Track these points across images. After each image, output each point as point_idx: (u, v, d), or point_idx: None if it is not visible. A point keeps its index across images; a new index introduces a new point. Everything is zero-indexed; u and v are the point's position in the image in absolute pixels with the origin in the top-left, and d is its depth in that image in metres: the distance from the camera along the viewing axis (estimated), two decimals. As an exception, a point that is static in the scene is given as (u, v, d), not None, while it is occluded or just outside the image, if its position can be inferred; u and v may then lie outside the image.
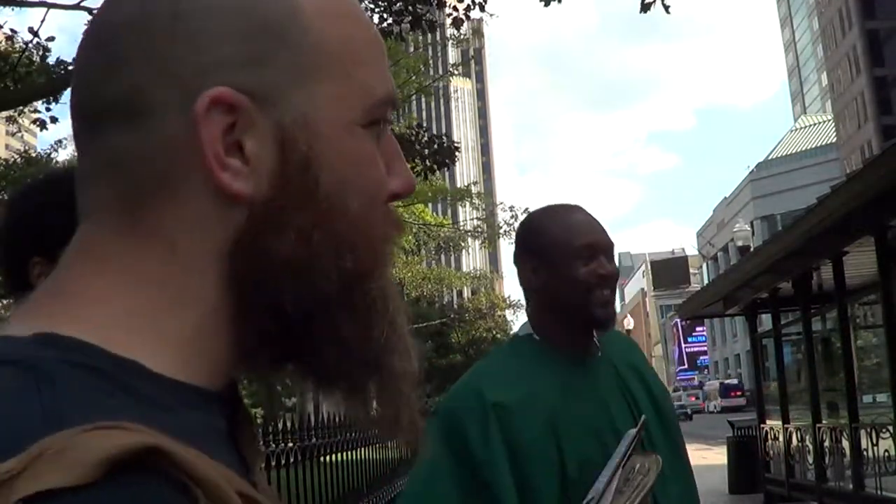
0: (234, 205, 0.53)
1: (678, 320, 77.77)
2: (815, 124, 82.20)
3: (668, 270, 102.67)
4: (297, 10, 0.55)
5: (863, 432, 8.73)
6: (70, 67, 10.50)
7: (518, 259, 1.80)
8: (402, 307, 0.59)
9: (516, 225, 29.24)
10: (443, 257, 46.44)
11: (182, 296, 0.53)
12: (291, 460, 4.25)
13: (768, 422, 12.19)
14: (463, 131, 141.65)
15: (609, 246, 1.76)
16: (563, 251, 1.72)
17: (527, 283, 1.78)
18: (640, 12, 9.76)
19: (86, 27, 0.58)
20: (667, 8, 9.76)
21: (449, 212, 46.85)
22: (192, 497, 0.44)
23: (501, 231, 28.37)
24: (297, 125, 0.54)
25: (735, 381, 64.08)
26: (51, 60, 10.80)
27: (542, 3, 10.06)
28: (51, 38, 10.58)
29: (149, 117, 0.52)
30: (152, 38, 0.53)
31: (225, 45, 0.53)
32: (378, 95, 0.58)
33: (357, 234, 0.56)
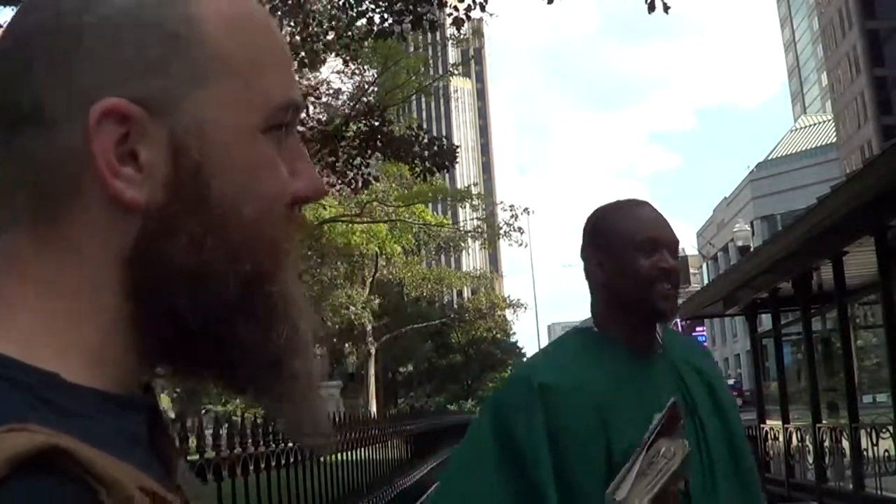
0: (130, 212, 0.54)
1: (678, 320, 77.65)
2: (815, 124, 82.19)
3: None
4: (194, 19, 0.56)
5: (863, 432, 8.73)
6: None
7: (584, 253, 1.85)
8: (305, 310, 0.60)
9: (516, 225, 29.00)
10: (443, 257, 46.46)
11: (90, 305, 0.54)
12: (291, 460, 4.25)
13: (768, 422, 12.19)
14: (463, 131, 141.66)
15: (673, 242, 1.79)
16: (627, 244, 1.76)
17: (592, 276, 1.82)
18: (649, 13, 9.77)
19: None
20: (666, 8, 9.77)
21: (449, 212, 46.85)
22: (92, 493, 0.46)
23: (502, 231, 28.34)
24: (189, 133, 0.55)
25: (731, 382, 64.16)
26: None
27: (546, 1, 10.06)
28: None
29: (53, 127, 0.54)
30: (57, 49, 0.54)
31: (122, 57, 0.54)
32: (277, 101, 0.58)
33: (253, 239, 0.56)
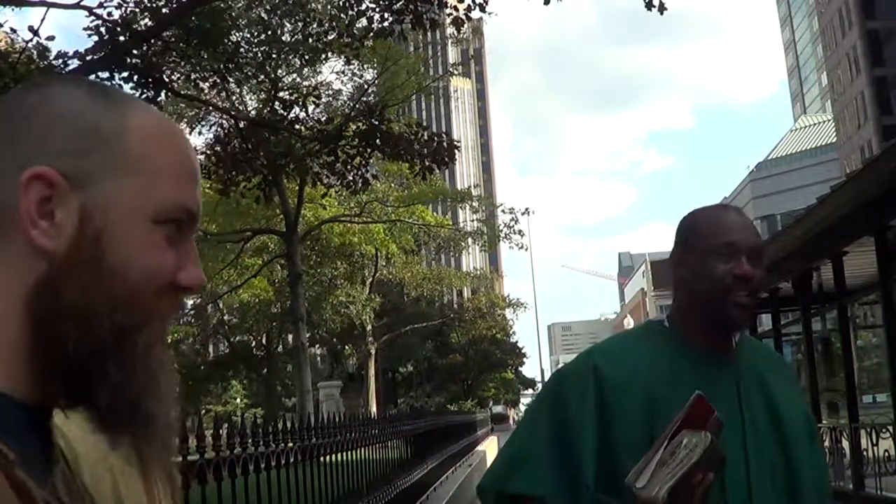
0: (39, 257, 0.69)
1: (678, 320, 77.46)
2: (815, 124, 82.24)
3: (669, 270, 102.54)
4: (122, 126, 0.73)
5: (863, 432, 8.73)
6: (71, 62, 10.51)
7: (673, 249, 1.87)
8: (166, 367, 0.74)
9: (516, 228, 28.84)
10: (443, 257, 46.43)
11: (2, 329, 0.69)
12: (291, 460, 4.25)
13: (768, 422, 12.19)
14: (463, 131, 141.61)
15: (754, 247, 1.77)
16: (704, 247, 1.77)
17: (673, 274, 1.86)
18: (647, 9, 9.78)
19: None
20: (662, 9, 9.79)
21: (449, 212, 46.85)
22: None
23: (502, 234, 28.31)
24: (97, 206, 0.71)
25: None
26: (51, 58, 10.79)
27: (542, 1, 10.07)
28: (51, 38, 10.59)
29: None
30: (10, 125, 0.72)
31: (59, 140, 0.71)
32: (171, 201, 0.74)
33: (131, 297, 0.71)
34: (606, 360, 1.78)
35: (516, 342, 57.00)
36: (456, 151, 14.20)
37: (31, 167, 0.69)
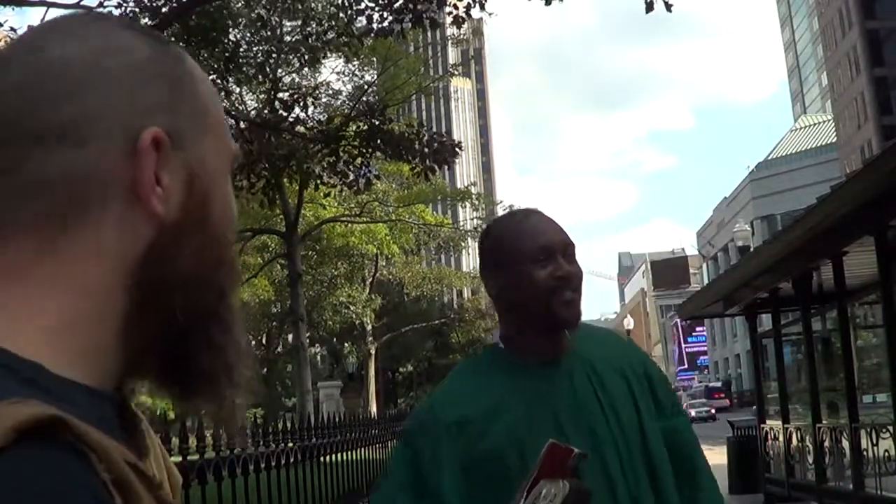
0: (148, 225, 0.64)
1: (678, 320, 77.76)
2: (815, 124, 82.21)
3: (668, 270, 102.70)
4: (191, 75, 0.69)
5: (863, 432, 8.73)
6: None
7: (482, 273, 1.82)
8: (241, 325, 0.72)
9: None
10: (443, 257, 46.41)
11: (94, 306, 0.62)
12: (291, 460, 4.25)
13: (768, 422, 12.19)
14: (463, 131, 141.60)
15: (565, 245, 1.75)
16: (518, 257, 1.72)
17: (491, 294, 1.79)
18: (647, 12, 9.78)
19: (8, 62, 0.66)
20: (669, 6, 9.77)
21: (449, 212, 46.84)
22: (88, 461, 0.52)
23: (501, 231, 28.25)
24: (198, 165, 0.67)
25: (718, 384, 64.42)
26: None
27: (544, 2, 10.07)
28: (51, 38, 10.59)
29: (85, 146, 0.62)
30: (92, 82, 0.63)
31: (150, 94, 0.65)
32: (235, 150, 0.73)
33: (228, 256, 0.70)
34: (456, 407, 1.70)
35: (516, 342, 56.90)
36: (460, 150, 14.19)
37: (140, 127, 0.63)
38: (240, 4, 14.86)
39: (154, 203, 0.63)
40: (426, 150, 13.63)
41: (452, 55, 34.25)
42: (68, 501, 0.50)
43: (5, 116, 0.62)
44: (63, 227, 0.61)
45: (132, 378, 0.68)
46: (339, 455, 5.34)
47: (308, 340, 24.89)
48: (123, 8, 10.72)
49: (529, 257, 1.71)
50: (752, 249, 13.70)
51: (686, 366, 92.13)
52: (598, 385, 1.76)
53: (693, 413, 47.93)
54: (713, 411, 46.76)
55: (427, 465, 1.67)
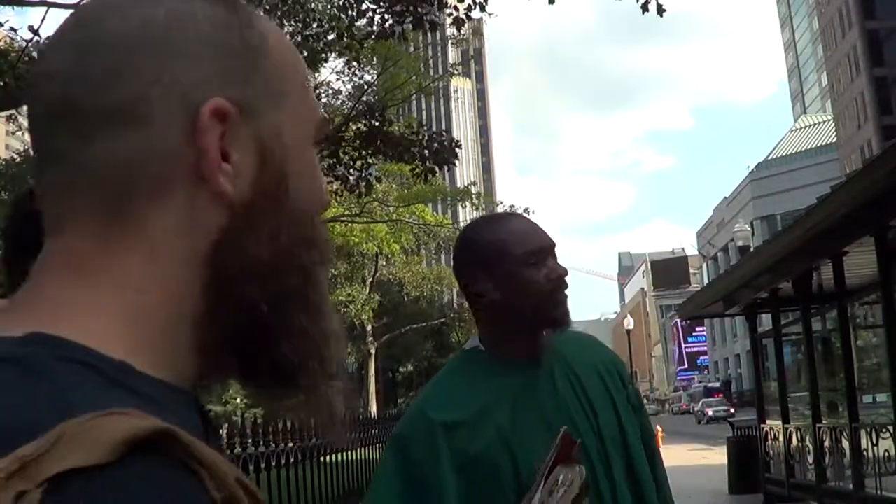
0: (217, 208, 0.58)
1: (678, 320, 77.74)
2: (815, 124, 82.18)
3: (668, 270, 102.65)
4: (265, 39, 0.62)
5: (863, 432, 8.73)
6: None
7: (463, 274, 1.78)
8: (332, 304, 0.66)
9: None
10: (443, 257, 46.40)
11: (164, 299, 0.56)
12: (291, 460, 4.25)
13: (768, 422, 12.19)
14: (463, 131, 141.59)
15: (553, 246, 1.77)
16: (514, 260, 1.72)
17: (476, 297, 1.76)
18: (643, 13, 9.82)
19: (62, 27, 0.61)
20: (661, 11, 9.81)
21: (449, 212, 46.84)
22: (199, 478, 0.48)
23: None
24: (272, 138, 0.60)
25: (717, 384, 64.45)
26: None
27: (547, 1, 10.07)
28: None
29: (148, 125, 0.56)
30: (152, 54, 0.57)
31: (214, 64, 0.59)
32: (318, 118, 0.67)
33: (312, 234, 0.63)
34: (447, 410, 1.69)
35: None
36: (458, 148, 14.18)
37: (201, 99, 0.57)
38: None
39: (221, 182, 0.57)
40: (426, 150, 13.63)
41: (452, 55, 34.25)
42: None
43: (58, 99, 0.57)
44: (123, 216, 0.57)
45: (212, 376, 0.63)
46: (339, 455, 5.34)
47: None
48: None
49: (521, 261, 1.72)
50: (752, 249, 13.70)
51: (686, 366, 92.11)
52: (576, 383, 1.79)
53: (710, 412, 47.78)
54: (732, 410, 46.48)
55: (425, 468, 1.65)
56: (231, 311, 0.59)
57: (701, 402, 47.24)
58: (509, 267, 1.72)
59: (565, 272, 1.76)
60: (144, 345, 0.55)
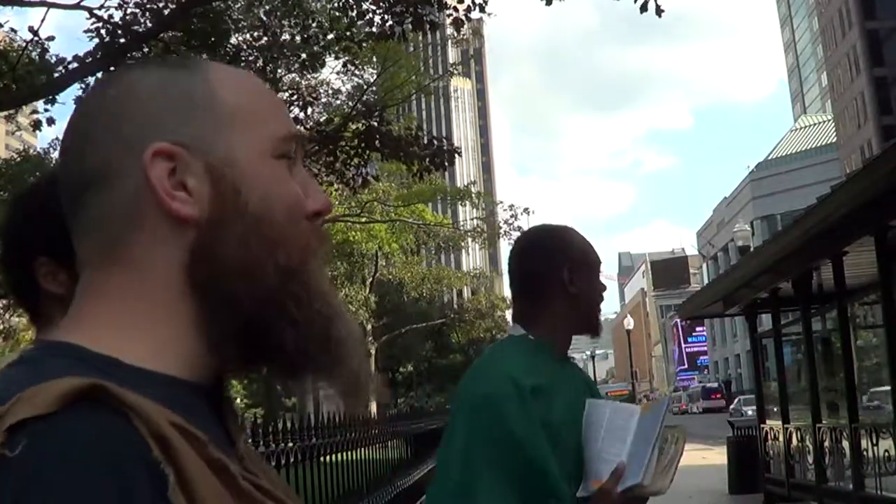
0: (184, 227, 0.70)
1: (678, 320, 77.71)
2: (815, 124, 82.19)
3: (668, 270, 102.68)
4: (209, 85, 0.74)
5: (863, 432, 8.73)
6: (70, 65, 10.51)
7: (551, 264, 1.95)
8: (333, 291, 0.76)
9: (517, 224, 28.87)
10: (443, 257, 46.45)
11: (153, 306, 0.70)
12: (291, 460, 4.25)
13: (768, 422, 12.19)
14: (463, 131, 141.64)
15: None
16: (594, 266, 2.01)
17: (559, 288, 1.94)
18: (641, 13, 9.83)
19: (71, 118, 0.77)
20: (659, 12, 9.82)
21: (449, 211, 46.83)
22: (128, 419, 0.59)
23: (501, 231, 28.30)
24: (222, 162, 0.72)
25: (715, 385, 64.40)
26: (52, 60, 10.79)
27: (544, 3, 10.08)
28: (51, 38, 10.60)
29: (115, 178, 0.70)
30: (108, 121, 0.72)
31: (157, 117, 0.72)
32: (280, 134, 0.76)
33: (283, 235, 0.72)
34: (530, 376, 1.79)
35: (516, 342, 56.83)
36: (458, 155, 14.19)
37: (146, 146, 0.70)
38: (239, 6, 14.87)
39: (177, 207, 0.69)
40: (425, 153, 13.63)
41: (452, 55, 34.24)
42: (109, 450, 0.58)
43: (63, 167, 0.74)
44: (116, 251, 0.70)
45: (239, 367, 0.75)
46: (339, 455, 5.34)
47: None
48: (124, 10, 10.72)
49: (597, 268, 2.01)
50: (752, 249, 13.70)
51: (686, 366, 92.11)
52: (587, 379, 2.11)
53: (694, 409, 47.12)
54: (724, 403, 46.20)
55: (517, 427, 1.73)
56: (222, 310, 0.70)
57: (737, 400, 46.62)
58: (593, 271, 2.00)
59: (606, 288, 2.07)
60: (141, 344, 0.68)
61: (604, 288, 2.03)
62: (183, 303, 0.70)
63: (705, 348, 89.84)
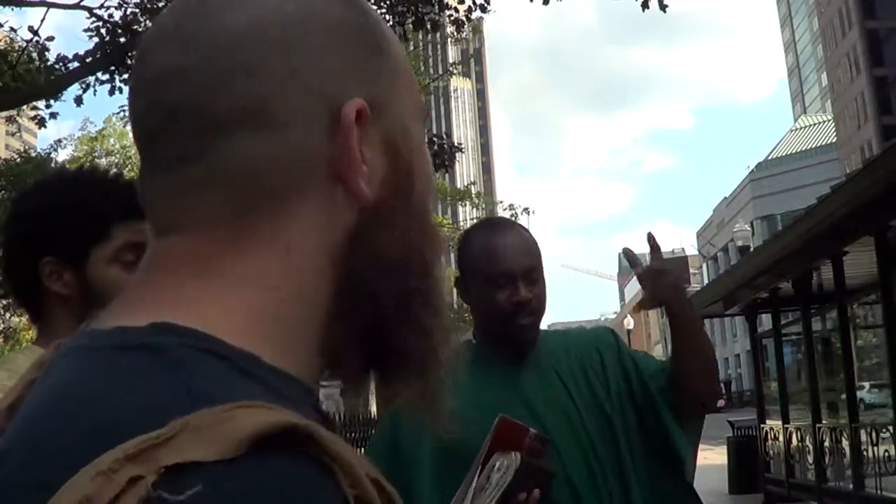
0: (351, 207, 0.57)
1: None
2: (815, 124, 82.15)
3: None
4: (387, 38, 0.61)
5: (863, 432, 8.73)
6: (71, 64, 10.50)
7: (456, 278, 1.89)
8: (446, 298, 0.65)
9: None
10: (442, 257, 46.41)
11: (293, 297, 0.55)
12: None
13: (768, 422, 12.19)
14: (463, 131, 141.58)
15: (527, 269, 1.80)
16: (481, 278, 1.81)
17: (462, 298, 1.88)
18: (642, 10, 9.81)
19: (174, 21, 0.58)
20: (663, 7, 9.79)
21: (449, 211, 46.79)
22: (333, 476, 0.45)
23: (501, 231, 28.27)
24: (399, 135, 0.60)
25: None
26: (51, 60, 10.79)
27: (542, 2, 10.08)
28: (50, 38, 10.59)
29: (283, 125, 0.55)
30: (283, 49, 0.55)
31: (347, 61, 0.57)
32: (424, 104, 0.65)
33: (433, 230, 0.63)
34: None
35: (516, 342, 56.88)
36: (460, 152, 14.18)
37: (342, 99, 0.56)
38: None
39: (361, 185, 0.56)
40: (426, 152, 13.63)
41: (452, 54, 34.25)
42: None
43: (179, 100, 0.55)
44: (255, 217, 0.55)
45: (335, 370, 0.62)
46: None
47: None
48: (124, 10, 10.72)
49: (490, 279, 1.79)
50: (752, 249, 13.70)
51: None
52: (561, 374, 1.87)
53: None
54: (722, 402, 46.21)
55: (407, 444, 1.73)
56: (360, 308, 0.58)
57: None
58: (478, 283, 1.81)
59: (533, 296, 1.79)
60: (271, 342, 0.53)
61: (501, 300, 1.77)
62: (322, 294, 0.56)
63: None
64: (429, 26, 10.96)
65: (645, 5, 9.80)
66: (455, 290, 1.90)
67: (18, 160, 18.40)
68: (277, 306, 0.54)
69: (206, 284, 0.54)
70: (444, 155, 13.84)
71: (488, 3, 11.07)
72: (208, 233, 0.55)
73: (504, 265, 1.79)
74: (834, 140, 71.81)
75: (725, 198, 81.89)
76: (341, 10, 0.59)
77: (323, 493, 0.44)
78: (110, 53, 10.24)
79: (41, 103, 11.16)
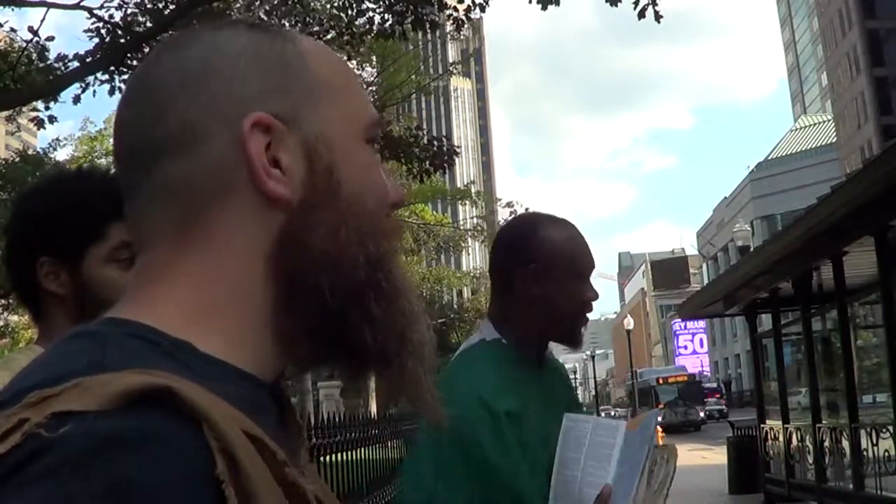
0: (274, 209, 0.64)
1: (679, 320, 77.73)
2: (815, 124, 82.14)
3: (668, 270, 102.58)
4: (302, 53, 0.69)
5: (863, 432, 8.73)
6: (71, 64, 10.50)
7: (515, 260, 1.74)
8: (413, 287, 0.70)
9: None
10: (443, 257, 46.43)
11: (231, 293, 0.63)
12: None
13: (768, 422, 12.19)
14: (463, 131, 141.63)
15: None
16: (574, 271, 1.74)
17: (524, 287, 1.72)
18: (639, 19, 9.89)
19: (125, 89, 0.71)
20: (658, 17, 9.85)
21: (449, 211, 46.84)
22: (197, 427, 0.53)
23: (502, 230, 28.28)
24: (318, 140, 0.66)
25: (714, 385, 64.57)
26: (50, 60, 10.79)
27: (540, 7, 10.09)
28: (50, 38, 10.59)
29: (198, 145, 0.64)
30: (192, 83, 0.65)
31: (252, 83, 0.66)
32: (370, 117, 0.71)
33: (375, 226, 0.67)
34: (503, 397, 1.62)
35: (516, 342, 56.88)
36: (455, 156, 14.19)
37: (243, 115, 0.64)
38: (239, 5, 14.88)
39: (272, 186, 0.63)
40: (424, 153, 13.63)
41: (452, 54, 34.26)
42: (166, 464, 0.51)
43: (125, 142, 0.67)
44: (192, 227, 0.64)
45: (305, 363, 0.69)
46: (339, 455, 5.34)
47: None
48: (124, 10, 10.72)
49: (578, 272, 1.74)
50: (752, 249, 13.70)
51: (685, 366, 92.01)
52: (566, 381, 1.94)
53: None
54: (724, 409, 46.10)
55: (494, 453, 1.58)
56: (305, 303, 0.64)
57: None
58: (567, 272, 1.73)
59: (597, 296, 1.77)
60: (214, 332, 0.61)
61: (590, 297, 1.75)
62: (263, 292, 0.64)
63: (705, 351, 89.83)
64: (428, 26, 10.96)
65: (641, 14, 9.84)
66: (496, 284, 1.78)
67: (17, 160, 18.40)
68: (219, 302, 0.63)
69: (159, 288, 0.63)
70: (443, 156, 13.86)
71: (487, 3, 11.07)
72: (161, 247, 0.65)
73: (590, 260, 1.78)
74: (834, 140, 71.80)
75: (725, 198, 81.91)
76: (256, 47, 0.67)
77: (179, 439, 0.52)
78: (110, 54, 10.24)
79: (40, 104, 11.16)
